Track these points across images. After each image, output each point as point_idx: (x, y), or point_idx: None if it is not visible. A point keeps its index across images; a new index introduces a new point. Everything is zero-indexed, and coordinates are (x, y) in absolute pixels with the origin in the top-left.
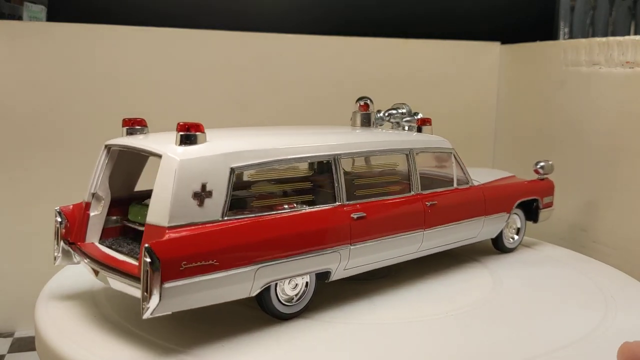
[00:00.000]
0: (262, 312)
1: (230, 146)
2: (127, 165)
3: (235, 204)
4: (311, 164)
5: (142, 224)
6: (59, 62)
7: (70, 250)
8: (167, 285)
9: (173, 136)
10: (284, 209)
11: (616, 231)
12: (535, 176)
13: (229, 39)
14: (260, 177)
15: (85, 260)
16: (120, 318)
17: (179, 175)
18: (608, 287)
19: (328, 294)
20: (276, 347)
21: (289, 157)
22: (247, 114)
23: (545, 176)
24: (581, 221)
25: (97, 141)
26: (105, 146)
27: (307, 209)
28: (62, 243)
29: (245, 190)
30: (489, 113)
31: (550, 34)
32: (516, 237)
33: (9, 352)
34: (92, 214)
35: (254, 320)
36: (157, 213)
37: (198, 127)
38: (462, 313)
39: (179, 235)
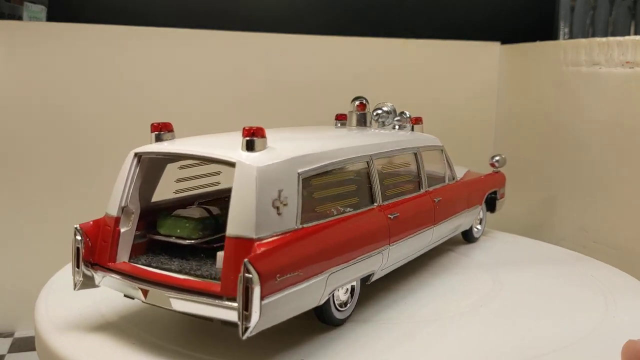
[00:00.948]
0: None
1: (295, 150)
2: (151, 174)
3: (304, 210)
4: (352, 166)
5: (180, 238)
6: (59, 62)
7: (91, 272)
8: (266, 300)
9: (220, 140)
10: (341, 212)
11: (616, 231)
12: (490, 169)
13: (229, 39)
14: (321, 181)
15: (125, 281)
16: (119, 318)
17: (259, 183)
18: (608, 287)
19: None
20: (350, 350)
21: (343, 159)
22: (247, 114)
23: (499, 169)
24: (581, 221)
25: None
26: (135, 154)
27: (358, 212)
28: (83, 266)
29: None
30: (489, 113)
31: (550, 34)
32: (479, 227)
33: (9, 352)
34: (122, 230)
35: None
36: (242, 224)
37: (262, 132)
38: (462, 313)
39: (271, 247)
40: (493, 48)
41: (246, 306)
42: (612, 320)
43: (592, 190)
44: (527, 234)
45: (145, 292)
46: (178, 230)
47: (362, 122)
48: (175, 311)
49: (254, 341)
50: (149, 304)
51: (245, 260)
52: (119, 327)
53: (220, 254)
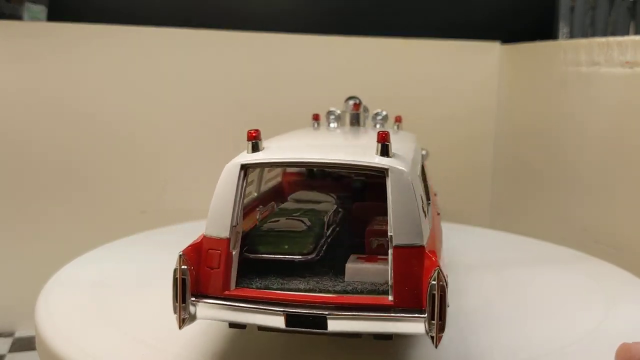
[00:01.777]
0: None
1: (407, 154)
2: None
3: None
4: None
5: (288, 254)
6: (59, 62)
7: (195, 305)
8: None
9: (326, 143)
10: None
11: (617, 231)
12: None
13: (229, 39)
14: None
15: (257, 308)
16: (119, 318)
17: (414, 189)
18: (609, 286)
19: None
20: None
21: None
22: (247, 114)
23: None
24: (582, 221)
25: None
26: (242, 166)
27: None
28: (190, 300)
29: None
30: (489, 113)
31: (550, 34)
32: None
33: (9, 352)
34: (233, 252)
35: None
36: (409, 233)
37: (390, 137)
38: (462, 313)
39: (437, 253)
40: (493, 48)
41: (440, 315)
42: (612, 319)
43: (593, 190)
44: (527, 233)
45: (290, 317)
46: (286, 247)
47: (356, 122)
48: (325, 334)
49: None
50: (291, 330)
51: (438, 268)
52: (119, 327)
53: (350, 267)
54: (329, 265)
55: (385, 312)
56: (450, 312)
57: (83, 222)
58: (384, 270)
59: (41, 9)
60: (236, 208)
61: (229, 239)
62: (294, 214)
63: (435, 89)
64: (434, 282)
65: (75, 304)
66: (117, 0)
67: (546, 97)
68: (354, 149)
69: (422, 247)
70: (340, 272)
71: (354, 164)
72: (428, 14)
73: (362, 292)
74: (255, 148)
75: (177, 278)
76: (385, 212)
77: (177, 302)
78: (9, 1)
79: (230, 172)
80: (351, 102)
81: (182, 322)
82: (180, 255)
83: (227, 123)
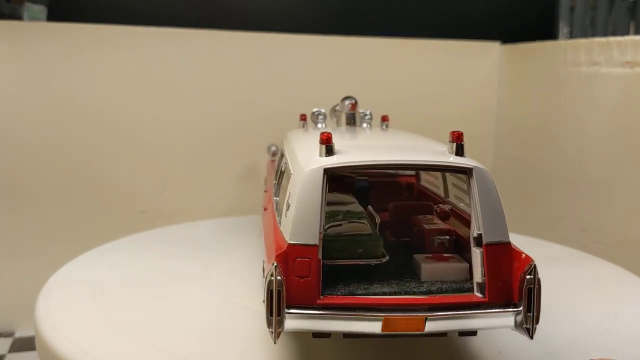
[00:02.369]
0: None
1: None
2: None
3: None
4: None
5: (355, 258)
6: (59, 62)
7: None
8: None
9: (402, 145)
10: None
11: (617, 231)
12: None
13: (229, 39)
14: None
15: (354, 315)
16: (119, 318)
17: (496, 187)
18: (610, 286)
19: None
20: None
21: None
22: (247, 113)
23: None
24: (582, 221)
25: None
26: (325, 171)
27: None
28: (285, 311)
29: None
30: (489, 113)
31: (550, 34)
32: None
33: (9, 352)
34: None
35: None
36: (497, 230)
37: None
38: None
39: (518, 248)
40: (493, 48)
41: (537, 307)
42: (613, 319)
43: (593, 190)
44: (527, 233)
45: (389, 321)
46: (360, 250)
47: (352, 121)
48: (419, 335)
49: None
50: (388, 334)
51: (532, 262)
52: (119, 327)
53: (427, 267)
54: (391, 266)
55: (479, 309)
56: None
57: (83, 222)
58: (460, 268)
59: (41, 9)
60: (322, 213)
61: (317, 246)
62: (337, 217)
63: (435, 88)
64: (529, 277)
65: (75, 304)
66: (117, 0)
67: (546, 97)
68: (418, 149)
69: (509, 243)
70: (407, 272)
71: (437, 164)
72: (428, 14)
73: (447, 292)
74: (330, 151)
75: (272, 290)
76: (424, 211)
77: (271, 315)
78: (9, 1)
79: (314, 177)
80: (347, 102)
81: (276, 337)
82: (275, 265)
83: (227, 123)
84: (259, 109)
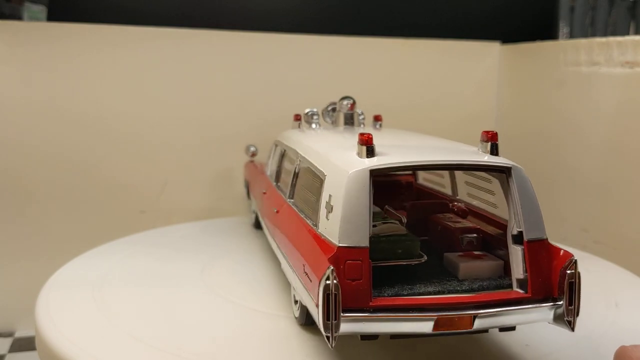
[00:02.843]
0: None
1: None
2: None
3: None
4: None
5: (395, 259)
6: (59, 62)
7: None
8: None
9: (440, 146)
10: None
11: (617, 231)
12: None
13: (229, 39)
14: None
15: (405, 316)
16: (119, 318)
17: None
18: (610, 286)
19: None
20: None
21: None
22: (247, 113)
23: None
24: (582, 221)
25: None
26: (371, 172)
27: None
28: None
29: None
30: (489, 113)
31: (550, 34)
32: None
33: (9, 352)
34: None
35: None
36: (536, 227)
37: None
38: None
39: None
40: (493, 48)
41: (578, 301)
42: (614, 318)
43: (593, 190)
44: None
45: (440, 321)
46: (400, 251)
47: (350, 121)
48: (467, 333)
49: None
50: (439, 333)
51: (573, 258)
52: (119, 327)
53: (464, 265)
54: (422, 265)
55: (523, 305)
56: None
57: (83, 222)
58: (494, 265)
59: (41, 9)
60: (370, 215)
61: (368, 248)
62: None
63: (435, 89)
64: (571, 271)
65: (75, 303)
66: (117, 0)
67: (546, 97)
68: (451, 149)
69: (546, 239)
70: (441, 271)
71: (479, 164)
72: (428, 14)
73: (488, 289)
74: (371, 152)
75: (328, 294)
76: (441, 210)
77: (328, 319)
78: (9, 1)
79: (360, 179)
80: (346, 102)
81: (333, 341)
82: (331, 269)
83: (227, 123)
84: (260, 109)
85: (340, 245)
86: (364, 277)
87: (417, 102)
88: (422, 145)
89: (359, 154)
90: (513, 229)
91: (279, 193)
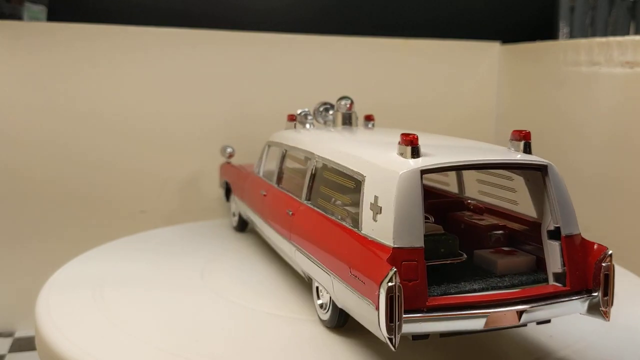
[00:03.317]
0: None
1: None
2: None
3: None
4: None
5: (439, 258)
6: (59, 62)
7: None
8: None
9: (472, 145)
10: None
11: (617, 231)
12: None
13: (229, 39)
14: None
15: (461, 314)
16: (119, 318)
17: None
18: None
19: None
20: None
21: None
22: (247, 113)
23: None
24: (582, 221)
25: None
26: (422, 172)
27: None
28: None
29: None
30: (489, 113)
31: (550, 34)
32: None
33: (9, 352)
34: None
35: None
36: (571, 223)
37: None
38: None
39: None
40: (493, 48)
41: (612, 292)
42: (614, 319)
43: (593, 190)
44: None
45: (492, 318)
46: (442, 250)
47: (348, 122)
48: (513, 327)
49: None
50: (490, 329)
51: (608, 250)
52: (119, 327)
53: (501, 262)
54: (456, 262)
55: (562, 298)
56: None
57: (83, 222)
58: (528, 260)
59: (41, 9)
60: (423, 215)
61: (423, 248)
62: None
63: (435, 89)
64: (606, 264)
65: (75, 303)
66: (117, 0)
67: (546, 97)
68: (486, 148)
69: (579, 234)
70: (474, 268)
71: (519, 163)
72: (428, 14)
73: (527, 284)
74: (417, 153)
75: (392, 296)
76: (457, 208)
77: (392, 322)
78: (9, 1)
79: (412, 179)
80: (344, 102)
81: (396, 343)
82: (394, 271)
83: (227, 123)
84: (260, 109)
85: (395, 246)
86: (420, 277)
87: (417, 102)
88: (456, 145)
89: (403, 155)
90: (550, 225)
91: (289, 195)
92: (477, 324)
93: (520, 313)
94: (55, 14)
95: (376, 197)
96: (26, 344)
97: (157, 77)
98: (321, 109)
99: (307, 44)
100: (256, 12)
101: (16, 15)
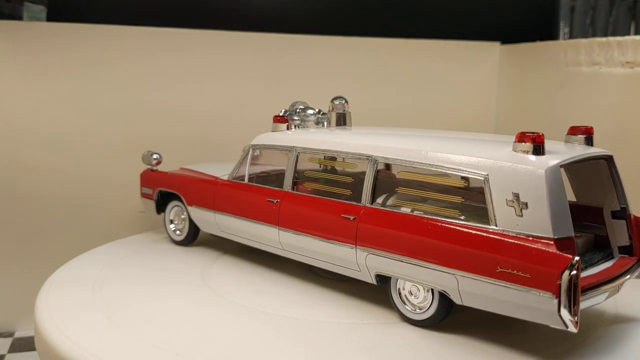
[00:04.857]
0: None
1: None
2: None
3: None
4: None
5: None
6: (59, 62)
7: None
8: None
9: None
10: None
11: None
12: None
13: (229, 39)
14: None
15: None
16: (120, 318)
17: None
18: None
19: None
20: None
21: None
22: (247, 113)
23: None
24: None
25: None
26: (562, 167)
27: None
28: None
29: None
30: (489, 113)
31: (550, 34)
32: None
33: (9, 352)
34: None
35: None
36: (627, 203)
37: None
38: (457, 315)
39: None
40: (493, 48)
41: None
42: (616, 319)
43: None
44: None
45: (611, 291)
46: None
47: (342, 121)
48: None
49: None
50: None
51: None
52: (119, 326)
53: (578, 241)
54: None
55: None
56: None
57: (83, 222)
58: (589, 239)
59: (41, 9)
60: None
61: (574, 237)
62: None
63: (435, 89)
64: None
65: (75, 303)
66: (117, 0)
67: (546, 97)
68: (562, 144)
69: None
70: None
71: (598, 155)
72: (427, 14)
73: (603, 259)
74: (541, 151)
75: (575, 283)
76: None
77: (574, 306)
78: (8, 1)
79: (556, 173)
80: (338, 102)
81: (577, 324)
82: (578, 259)
83: (227, 123)
84: (260, 109)
85: (556, 237)
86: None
87: (417, 102)
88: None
89: (526, 152)
90: (615, 206)
91: (334, 200)
92: (602, 298)
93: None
94: (55, 14)
95: (516, 194)
96: (26, 344)
97: (157, 77)
98: (297, 108)
99: (306, 44)
100: (256, 12)
101: (16, 15)
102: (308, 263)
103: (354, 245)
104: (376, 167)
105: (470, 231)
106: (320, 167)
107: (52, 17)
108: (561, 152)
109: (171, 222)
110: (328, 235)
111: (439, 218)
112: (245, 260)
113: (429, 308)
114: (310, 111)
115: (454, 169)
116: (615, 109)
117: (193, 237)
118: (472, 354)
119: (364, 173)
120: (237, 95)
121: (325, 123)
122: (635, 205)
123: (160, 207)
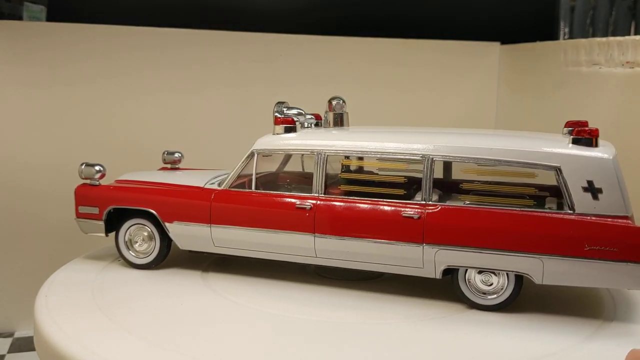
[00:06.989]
0: None
1: None
2: None
3: None
4: None
5: None
6: (59, 62)
7: None
8: None
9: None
10: None
11: None
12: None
13: (229, 39)
14: None
15: None
16: (120, 318)
17: None
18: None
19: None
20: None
21: None
22: (247, 113)
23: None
24: None
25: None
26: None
27: None
28: None
29: None
30: (489, 113)
31: (550, 34)
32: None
33: (9, 352)
34: None
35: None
36: None
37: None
38: (457, 315)
39: None
40: (493, 48)
41: None
42: (612, 321)
43: None
44: None
45: None
46: None
47: (340, 122)
48: None
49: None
50: None
51: None
52: (120, 325)
53: None
54: None
55: None
56: (447, 315)
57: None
58: None
59: (41, 9)
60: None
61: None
62: None
63: (435, 89)
64: None
65: (75, 303)
66: (117, 0)
67: (546, 97)
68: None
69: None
70: None
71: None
72: (427, 14)
73: None
74: (596, 143)
75: None
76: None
77: None
78: (8, 1)
79: (617, 161)
80: (335, 102)
81: None
82: None
83: (228, 123)
84: (260, 109)
85: (629, 215)
86: None
87: (417, 103)
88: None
89: (584, 144)
90: None
91: (386, 201)
92: None
93: None
94: (55, 14)
95: (589, 182)
96: (26, 344)
97: (158, 77)
98: (283, 109)
99: (304, 44)
100: (256, 12)
101: (15, 15)
102: (350, 267)
103: (420, 243)
104: (433, 166)
105: (554, 216)
106: (350, 168)
107: (52, 17)
108: (602, 144)
109: (129, 244)
110: (386, 236)
111: (517, 209)
112: (246, 260)
113: (503, 292)
114: (294, 111)
115: (524, 163)
116: (615, 108)
117: (164, 257)
118: (476, 351)
119: (406, 172)
120: (237, 94)
121: (323, 123)
122: (636, 205)
123: (110, 228)
